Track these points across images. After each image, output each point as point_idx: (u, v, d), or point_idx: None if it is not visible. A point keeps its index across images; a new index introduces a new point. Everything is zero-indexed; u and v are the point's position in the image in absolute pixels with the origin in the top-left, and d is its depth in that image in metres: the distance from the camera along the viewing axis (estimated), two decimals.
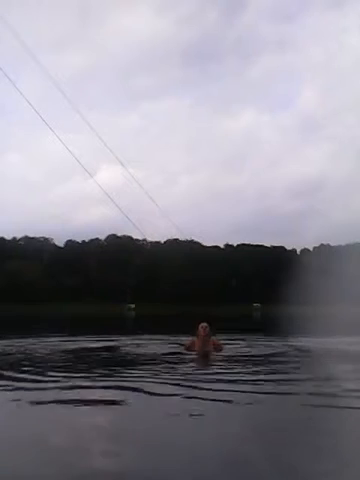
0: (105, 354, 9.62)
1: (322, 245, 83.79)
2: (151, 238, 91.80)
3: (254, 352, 9.70)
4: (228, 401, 5.12)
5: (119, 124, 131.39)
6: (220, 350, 8.97)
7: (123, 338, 13.36)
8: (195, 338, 8.98)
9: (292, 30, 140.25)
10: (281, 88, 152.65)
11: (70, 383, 6.19)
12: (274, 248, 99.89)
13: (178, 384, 6.08)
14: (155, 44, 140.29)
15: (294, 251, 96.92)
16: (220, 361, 8.10)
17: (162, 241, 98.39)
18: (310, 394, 5.49)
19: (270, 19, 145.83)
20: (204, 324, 8.90)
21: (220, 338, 10.43)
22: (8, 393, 5.68)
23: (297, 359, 8.66)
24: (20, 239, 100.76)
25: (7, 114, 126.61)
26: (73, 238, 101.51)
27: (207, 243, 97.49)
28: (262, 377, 6.68)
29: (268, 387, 5.90)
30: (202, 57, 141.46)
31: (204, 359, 8.45)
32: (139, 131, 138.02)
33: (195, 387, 5.93)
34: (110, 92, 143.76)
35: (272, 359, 8.65)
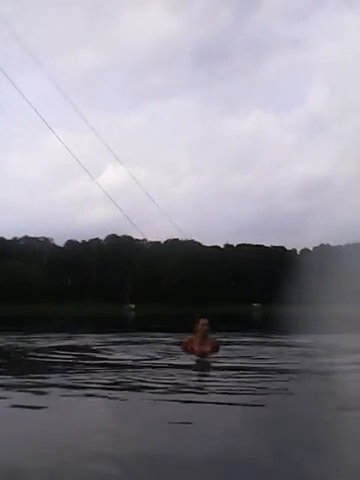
0: (101, 354, 9.59)
1: (322, 245, 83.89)
2: (151, 238, 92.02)
3: (254, 353, 9.68)
4: (230, 404, 5.11)
5: (128, 123, 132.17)
6: (218, 350, 8.90)
7: (122, 338, 13.34)
8: (192, 336, 8.88)
9: (304, 30, 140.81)
10: (291, 88, 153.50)
11: (64, 381, 6.19)
12: (274, 248, 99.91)
13: (175, 387, 6.07)
14: (166, 43, 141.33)
15: (294, 251, 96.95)
16: (219, 363, 8.05)
17: (162, 241, 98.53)
18: (315, 396, 5.48)
19: (282, 19, 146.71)
20: (204, 320, 8.74)
21: (219, 338, 10.41)
22: None
23: (298, 360, 8.64)
24: (20, 239, 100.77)
25: (9, 113, 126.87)
26: (73, 238, 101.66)
27: (207, 243, 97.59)
28: (265, 379, 6.65)
29: (270, 390, 5.88)
30: (212, 57, 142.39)
31: (202, 360, 8.37)
32: (147, 131, 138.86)
33: (193, 391, 5.92)
34: (120, 91, 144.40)
35: (272, 360, 8.63)
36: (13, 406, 4.93)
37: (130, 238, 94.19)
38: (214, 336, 9.23)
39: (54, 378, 6.65)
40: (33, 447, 3.68)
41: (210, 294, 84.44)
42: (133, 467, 3.21)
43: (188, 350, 8.74)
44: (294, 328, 15.25)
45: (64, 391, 5.62)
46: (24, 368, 7.84)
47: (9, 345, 11.09)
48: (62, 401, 5.18)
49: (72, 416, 4.67)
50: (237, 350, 9.87)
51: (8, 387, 5.95)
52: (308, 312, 21.78)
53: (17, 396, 5.45)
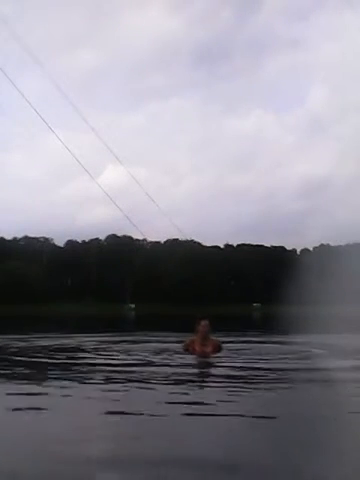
0: (100, 354, 9.57)
1: (322, 245, 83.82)
2: (151, 238, 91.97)
3: (254, 353, 9.69)
4: (229, 405, 5.11)
5: (128, 123, 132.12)
6: (219, 350, 8.90)
7: (122, 338, 13.34)
8: (194, 336, 8.89)
9: (304, 30, 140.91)
10: (291, 88, 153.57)
11: (61, 382, 6.19)
12: (274, 248, 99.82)
13: (174, 387, 6.06)
14: (166, 43, 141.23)
15: (294, 251, 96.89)
16: (220, 363, 8.05)
17: (162, 241, 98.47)
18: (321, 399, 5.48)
19: (282, 19, 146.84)
20: (205, 321, 8.75)
21: (219, 338, 10.41)
22: None
23: (298, 360, 8.64)
24: (20, 239, 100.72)
25: (9, 113, 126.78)
26: (73, 238, 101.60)
27: (207, 243, 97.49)
28: (264, 380, 6.65)
29: (270, 391, 5.88)
30: (212, 57, 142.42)
31: (203, 361, 8.38)
32: (147, 131, 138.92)
33: (192, 391, 5.91)
34: (120, 91, 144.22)
35: (272, 360, 8.63)
36: (11, 406, 4.93)
37: (130, 238, 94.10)
38: (216, 337, 9.24)
39: (52, 378, 6.65)
40: (31, 449, 3.68)
41: (210, 294, 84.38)
42: (131, 471, 3.21)
43: (189, 351, 8.76)
44: (294, 328, 15.25)
45: (61, 392, 5.61)
46: (23, 368, 7.84)
47: (9, 345, 11.10)
48: (59, 402, 5.17)
49: (68, 418, 4.65)
50: (237, 350, 9.87)
51: (6, 387, 5.95)
52: (308, 312, 21.76)
53: (15, 396, 5.45)
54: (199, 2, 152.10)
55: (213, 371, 7.52)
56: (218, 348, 8.84)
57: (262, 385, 6.02)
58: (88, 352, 9.83)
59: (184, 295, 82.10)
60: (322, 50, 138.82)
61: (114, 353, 9.67)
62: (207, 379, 6.86)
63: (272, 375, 6.85)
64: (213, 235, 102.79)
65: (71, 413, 4.79)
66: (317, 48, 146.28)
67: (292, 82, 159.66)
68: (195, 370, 7.72)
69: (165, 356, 8.89)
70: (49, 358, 8.80)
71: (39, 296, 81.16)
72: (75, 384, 6.06)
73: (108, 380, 6.42)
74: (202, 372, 7.60)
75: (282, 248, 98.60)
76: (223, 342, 9.65)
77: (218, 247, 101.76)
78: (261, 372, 7.13)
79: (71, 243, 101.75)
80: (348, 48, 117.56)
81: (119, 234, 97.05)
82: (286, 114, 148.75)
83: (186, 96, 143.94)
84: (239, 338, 13.03)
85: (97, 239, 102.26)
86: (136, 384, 6.00)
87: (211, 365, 8.01)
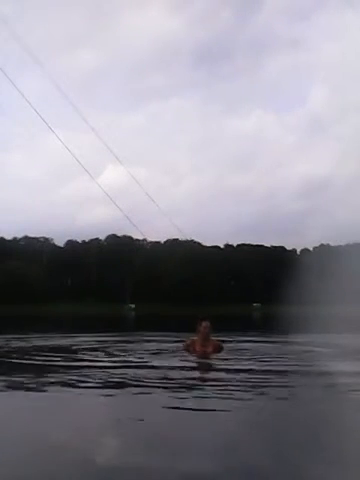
0: (100, 354, 9.56)
1: (322, 245, 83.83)
2: (151, 238, 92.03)
3: (254, 353, 9.68)
4: (229, 405, 5.09)
5: (128, 123, 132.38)
6: (220, 351, 8.90)
7: (122, 337, 13.32)
8: (195, 337, 8.90)
9: (305, 30, 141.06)
10: (292, 88, 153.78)
11: (61, 382, 6.17)
12: (274, 248, 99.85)
13: (174, 388, 6.04)
14: (166, 43, 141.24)
15: (294, 251, 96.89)
16: (220, 363, 8.04)
17: (162, 241, 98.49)
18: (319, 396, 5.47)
19: (283, 18, 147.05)
20: (206, 322, 8.76)
21: (219, 338, 10.40)
22: None
23: (298, 360, 8.63)
24: (20, 239, 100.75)
25: (9, 113, 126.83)
26: (73, 238, 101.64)
27: (207, 243, 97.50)
28: (264, 380, 6.63)
29: (269, 391, 5.86)
30: (213, 57, 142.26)
31: (203, 361, 8.37)
32: (147, 131, 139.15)
33: (192, 392, 5.89)
34: (120, 91, 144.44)
35: (272, 360, 8.62)
36: (8, 407, 4.91)
37: (130, 238, 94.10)
38: (217, 338, 9.22)
39: (49, 379, 6.62)
40: (29, 450, 3.66)
41: (210, 294, 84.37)
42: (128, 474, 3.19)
43: (190, 351, 8.76)
44: (294, 328, 15.25)
45: (58, 393, 5.60)
46: (20, 368, 7.83)
47: (7, 345, 11.08)
48: (56, 404, 5.15)
49: (63, 421, 4.63)
50: (238, 350, 9.86)
51: (4, 387, 5.94)
52: (308, 312, 21.77)
53: (14, 396, 5.43)
54: (199, 2, 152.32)
55: (213, 372, 7.50)
56: (219, 349, 8.84)
57: (262, 387, 5.99)
58: (86, 352, 9.80)
59: (184, 295, 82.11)
60: (323, 50, 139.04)
61: (113, 353, 9.64)
62: (207, 381, 6.83)
63: (272, 376, 6.83)
64: (213, 235, 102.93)
65: (67, 415, 4.77)
66: (318, 48, 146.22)
67: (293, 82, 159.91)
68: (195, 371, 7.69)
69: (165, 357, 8.88)
70: (47, 358, 8.77)
71: (39, 296, 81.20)
72: (72, 386, 6.03)
73: (106, 382, 6.39)
74: (202, 373, 7.58)
75: (282, 248, 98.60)
76: (223, 342, 9.64)
77: (218, 247, 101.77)
78: (261, 373, 7.11)
79: (71, 243, 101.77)
80: (349, 48, 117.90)
81: (119, 234, 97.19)
82: (286, 114, 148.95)
83: (186, 96, 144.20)
84: (239, 338, 13.02)
85: (97, 239, 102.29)
86: (135, 387, 5.96)
87: (211, 366, 8.00)
